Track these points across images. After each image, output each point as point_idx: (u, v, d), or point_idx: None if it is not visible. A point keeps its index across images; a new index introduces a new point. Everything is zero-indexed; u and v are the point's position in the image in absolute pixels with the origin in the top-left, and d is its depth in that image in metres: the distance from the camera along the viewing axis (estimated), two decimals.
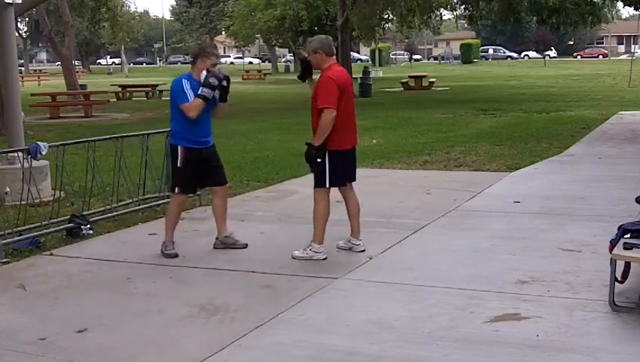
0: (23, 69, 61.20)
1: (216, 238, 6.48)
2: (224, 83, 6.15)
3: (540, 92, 27.53)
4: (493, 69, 53.28)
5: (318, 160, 5.91)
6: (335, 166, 5.97)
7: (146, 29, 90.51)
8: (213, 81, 6.05)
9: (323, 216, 6.05)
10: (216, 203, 6.53)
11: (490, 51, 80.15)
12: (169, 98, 6.37)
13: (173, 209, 6.39)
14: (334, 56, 6.15)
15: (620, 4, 33.24)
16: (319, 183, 6.04)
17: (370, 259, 6.00)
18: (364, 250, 6.21)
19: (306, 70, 6.24)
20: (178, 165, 6.23)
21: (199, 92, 6.04)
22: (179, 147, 6.21)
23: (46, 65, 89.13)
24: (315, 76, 6.19)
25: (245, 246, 6.43)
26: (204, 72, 6.09)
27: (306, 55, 6.11)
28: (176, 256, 6.17)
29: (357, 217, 6.26)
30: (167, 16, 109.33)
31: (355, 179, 6.32)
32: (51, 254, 6.41)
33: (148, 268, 5.91)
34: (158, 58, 76.77)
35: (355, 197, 6.30)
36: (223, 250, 6.37)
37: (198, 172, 6.28)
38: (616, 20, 64.32)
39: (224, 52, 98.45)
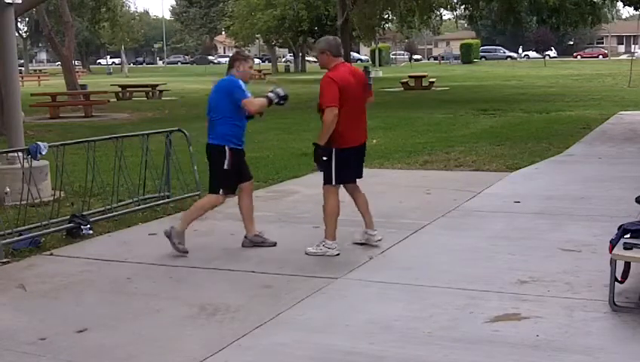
0: (23, 68, 61.23)
1: (245, 237, 6.48)
2: (282, 102, 6.38)
3: (540, 92, 27.52)
4: (493, 69, 53.25)
5: (324, 158, 6.02)
6: (341, 163, 6.07)
7: (146, 29, 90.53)
8: (279, 91, 6.34)
9: (333, 212, 6.13)
10: (244, 202, 6.51)
11: (520, 52, 77.99)
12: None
13: (207, 206, 6.39)
14: (341, 57, 6.23)
15: (620, 4, 33.34)
16: (327, 180, 6.13)
17: (370, 259, 6.01)
18: (380, 239, 6.31)
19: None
20: (225, 167, 6.21)
21: (268, 93, 6.28)
22: (227, 148, 6.19)
23: (46, 65, 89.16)
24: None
25: (274, 244, 6.46)
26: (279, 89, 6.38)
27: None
28: (186, 252, 6.18)
29: (367, 211, 6.37)
30: (167, 16, 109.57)
31: (361, 176, 6.41)
32: (51, 254, 6.41)
33: (148, 268, 5.91)
34: (137, 59, 74.16)
35: (361, 193, 6.39)
36: (222, 250, 6.37)
37: (238, 171, 6.35)
38: (616, 20, 64.50)
39: (224, 52, 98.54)
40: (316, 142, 6.05)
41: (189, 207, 6.78)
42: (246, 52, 6.90)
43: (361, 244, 6.36)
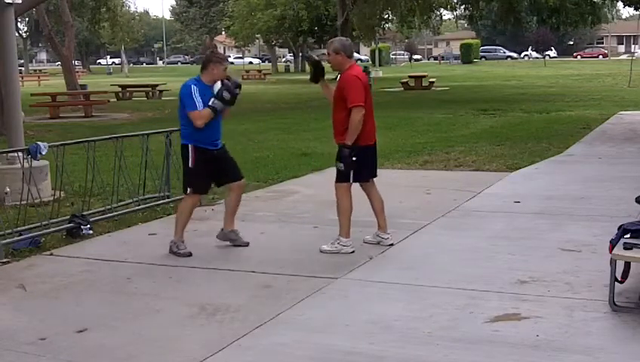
0: (23, 68, 61.25)
1: (221, 230, 6.48)
2: (237, 92, 6.19)
3: (540, 92, 27.53)
4: (493, 69, 53.26)
5: (354, 158, 6.01)
6: (360, 162, 6.08)
7: (146, 29, 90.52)
8: (226, 95, 6.09)
9: (347, 210, 6.15)
10: (230, 197, 6.51)
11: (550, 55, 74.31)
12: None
13: (186, 209, 6.34)
14: (353, 58, 6.32)
15: (620, 4, 33.37)
16: (342, 178, 6.13)
17: (371, 259, 6.01)
18: (392, 244, 6.31)
19: (317, 72, 6.35)
20: (189, 165, 6.21)
21: (211, 103, 6.06)
22: (189, 146, 6.19)
23: (46, 65, 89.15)
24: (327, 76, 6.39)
25: (247, 244, 6.44)
26: (219, 83, 6.13)
27: (315, 57, 6.17)
28: (190, 254, 6.16)
29: (382, 212, 6.38)
30: (167, 16, 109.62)
31: (376, 175, 6.43)
32: (51, 254, 6.40)
33: (148, 268, 5.91)
34: (124, 59, 71.59)
35: (377, 193, 6.41)
36: (222, 250, 6.37)
37: (209, 171, 6.27)
38: (616, 20, 64.48)
39: (224, 52, 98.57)
40: (343, 141, 6.02)
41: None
42: (222, 54, 6.75)
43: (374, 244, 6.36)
